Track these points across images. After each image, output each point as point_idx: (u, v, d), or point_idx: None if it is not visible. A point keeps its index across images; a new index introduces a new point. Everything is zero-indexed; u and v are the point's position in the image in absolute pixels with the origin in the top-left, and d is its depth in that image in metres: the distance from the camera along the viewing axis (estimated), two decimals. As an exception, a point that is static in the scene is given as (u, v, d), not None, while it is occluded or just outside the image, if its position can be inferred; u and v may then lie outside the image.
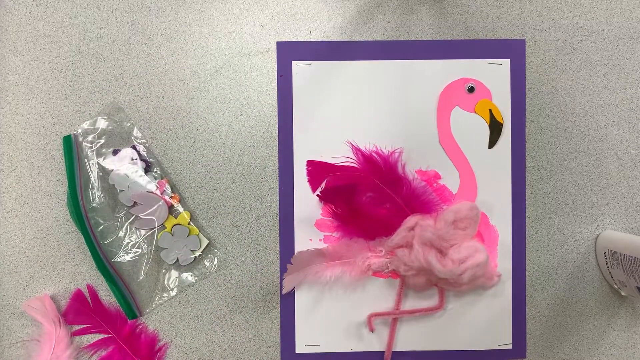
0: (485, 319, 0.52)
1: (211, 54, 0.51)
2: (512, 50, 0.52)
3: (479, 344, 0.52)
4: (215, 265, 0.51)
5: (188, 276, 0.51)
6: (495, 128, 0.51)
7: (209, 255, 0.51)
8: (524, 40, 0.52)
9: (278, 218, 0.52)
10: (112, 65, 0.51)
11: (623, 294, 0.51)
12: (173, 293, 0.51)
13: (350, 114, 0.52)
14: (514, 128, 0.52)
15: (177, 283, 0.51)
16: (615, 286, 0.51)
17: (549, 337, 0.52)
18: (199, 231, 0.51)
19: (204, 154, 0.51)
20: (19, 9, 0.51)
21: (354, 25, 0.52)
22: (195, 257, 0.51)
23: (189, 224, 0.51)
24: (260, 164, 0.52)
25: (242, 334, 0.52)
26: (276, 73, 0.51)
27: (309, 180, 0.51)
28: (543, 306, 0.52)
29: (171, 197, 0.51)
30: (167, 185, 0.50)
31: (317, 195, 0.51)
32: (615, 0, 0.52)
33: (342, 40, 0.52)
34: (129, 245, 0.51)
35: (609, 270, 0.51)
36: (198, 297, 0.52)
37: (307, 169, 0.51)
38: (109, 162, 0.50)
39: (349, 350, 0.52)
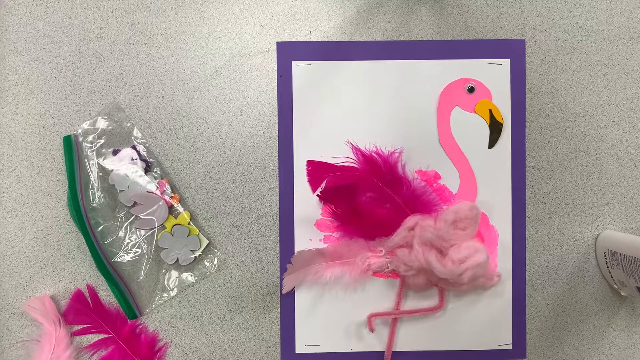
0: (485, 319, 0.52)
1: (211, 54, 0.51)
2: (512, 50, 0.52)
3: (479, 344, 0.52)
4: (215, 265, 0.51)
5: (188, 276, 0.51)
6: (495, 128, 0.51)
7: (209, 255, 0.51)
8: (524, 40, 0.52)
9: (278, 218, 0.52)
10: (112, 65, 0.51)
11: (623, 294, 0.51)
12: (173, 293, 0.51)
13: (350, 114, 0.52)
14: (514, 128, 0.52)
15: (177, 283, 0.51)
16: (615, 286, 0.51)
17: (549, 337, 0.52)
18: (199, 231, 0.51)
19: (204, 154, 0.51)
20: (19, 9, 0.51)
21: (354, 25, 0.52)
22: (195, 257, 0.51)
23: (189, 224, 0.51)
24: (260, 164, 0.52)
25: (242, 334, 0.52)
26: (276, 73, 0.51)
27: (309, 180, 0.51)
28: (543, 306, 0.52)
29: (171, 197, 0.51)
30: (167, 185, 0.50)
31: (317, 195, 0.51)
32: (615, 0, 0.52)
33: (342, 40, 0.52)
34: (129, 245, 0.51)
35: (609, 270, 0.51)
36: (198, 297, 0.52)
37: (307, 169, 0.51)
38: (109, 162, 0.50)
39: (349, 350, 0.52)
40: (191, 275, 0.51)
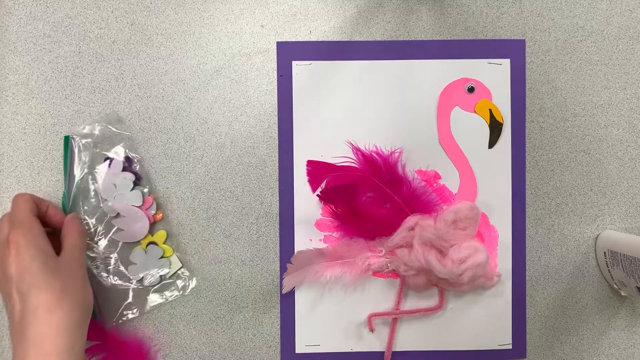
0: (485, 319, 0.52)
1: (211, 54, 0.51)
2: (512, 50, 0.52)
3: (479, 344, 0.52)
4: (188, 287, 0.50)
5: (156, 297, 0.50)
6: (495, 128, 0.51)
7: (180, 279, 0.51)
8: (524, 40, 0.52)
9: (278, 218, 0.51)
10: (112, 65, 0.51)
11: (623, 294, 0.51)
12: (137, 312, 0.50)
13: (350, 114, 0.52)
14: (514, 128, 0.52)
15: (145, 302, 0.50)
16: (615, 286, 0.51)
17: (549, 337, 0.52)
18: (174, 252, 0.50)
19: (204, 154, 0.51)
20: (19, 9, 0.51)
21: (354, 25, 0.52)
22: (161, 277, 0.50)
23: (164, 243, 0.50)
24: (260, 164, 0.52)
25: (242, 334, 0.52)
26: (276, 73, 0.51)
27: (309, 180, 0.51)
28: (543, 306, 0.52)
29: (154, 215, 0.50)
30: (152, 202, 0.50)
31: (317, 195, 0.51)
32: (615, 0, 0.52)
33: (342, 40, 0.52)
34: (106, 255, 0.50)
35: (609, 270, 0.51)
36: (198, 297, 0.52)
37: (307, 169, 0.51)
38: (100, 171, 0.50)
39: (349, 350, 0.52)
40: (160, 296, 0.50)
